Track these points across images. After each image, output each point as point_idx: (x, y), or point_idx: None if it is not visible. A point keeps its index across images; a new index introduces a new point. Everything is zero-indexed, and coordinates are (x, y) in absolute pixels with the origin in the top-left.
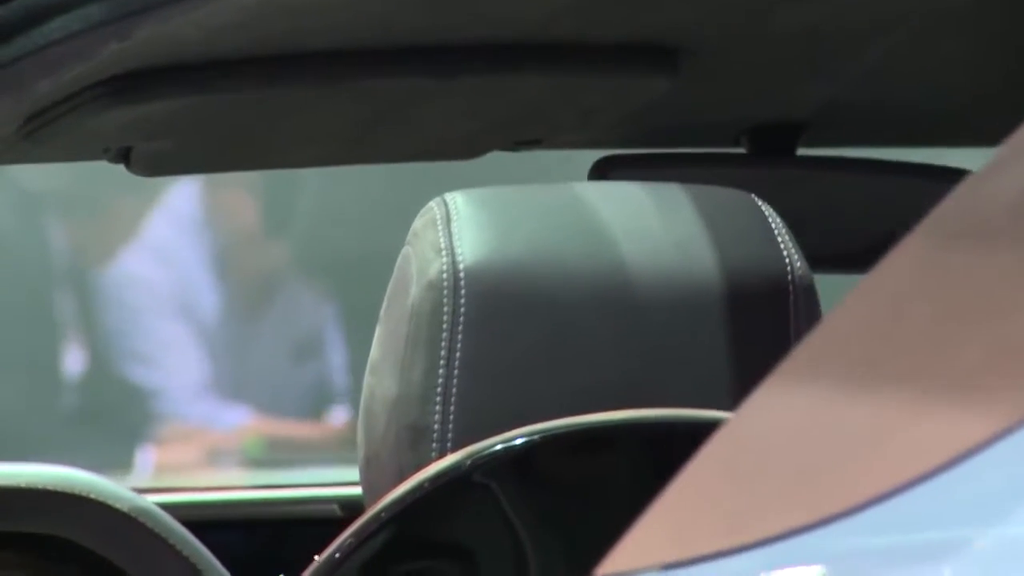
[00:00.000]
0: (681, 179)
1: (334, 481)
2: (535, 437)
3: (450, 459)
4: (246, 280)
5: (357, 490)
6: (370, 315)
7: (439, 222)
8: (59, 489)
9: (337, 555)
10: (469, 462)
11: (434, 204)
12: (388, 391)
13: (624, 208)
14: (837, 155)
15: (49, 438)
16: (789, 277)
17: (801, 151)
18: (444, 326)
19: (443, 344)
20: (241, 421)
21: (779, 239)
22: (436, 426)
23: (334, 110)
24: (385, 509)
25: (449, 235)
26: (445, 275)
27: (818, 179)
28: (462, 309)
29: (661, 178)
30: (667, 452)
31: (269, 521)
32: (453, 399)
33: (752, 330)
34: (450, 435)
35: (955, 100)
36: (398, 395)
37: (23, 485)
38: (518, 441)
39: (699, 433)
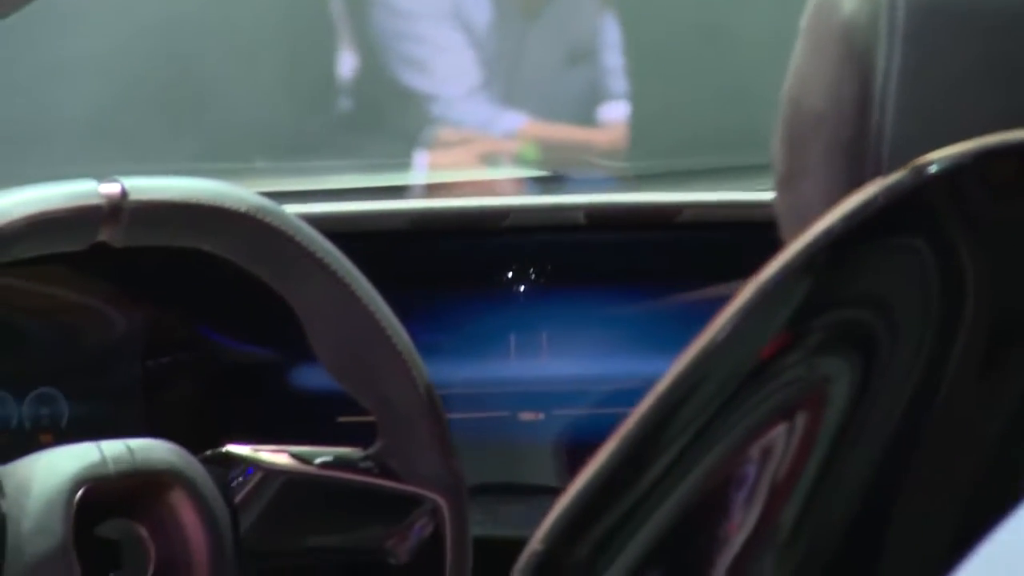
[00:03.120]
0: None
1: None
2: (987, 149)
3: (896, 175)
4: None
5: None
6: (645, 18)
7: None
8: (177, 200)
9: (778, 279)
10: (913, 178)
11: None
12: (818, 105)
13: None
14: None
15: (325, 141)
16: None
17: None
18: (881, 39)
19: (880, 58)
20: (515, 126)
21: None
22: (872, 141)
23: None
24: (835, 224)
25: None
26: None
27: None
28: (900, 22)
29: None
30: None
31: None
32: (889, 114)
33: None
34: (885, 150)
35: None
36: (830, 109)
37: (156, 198)
38: (966, 156)
39: None
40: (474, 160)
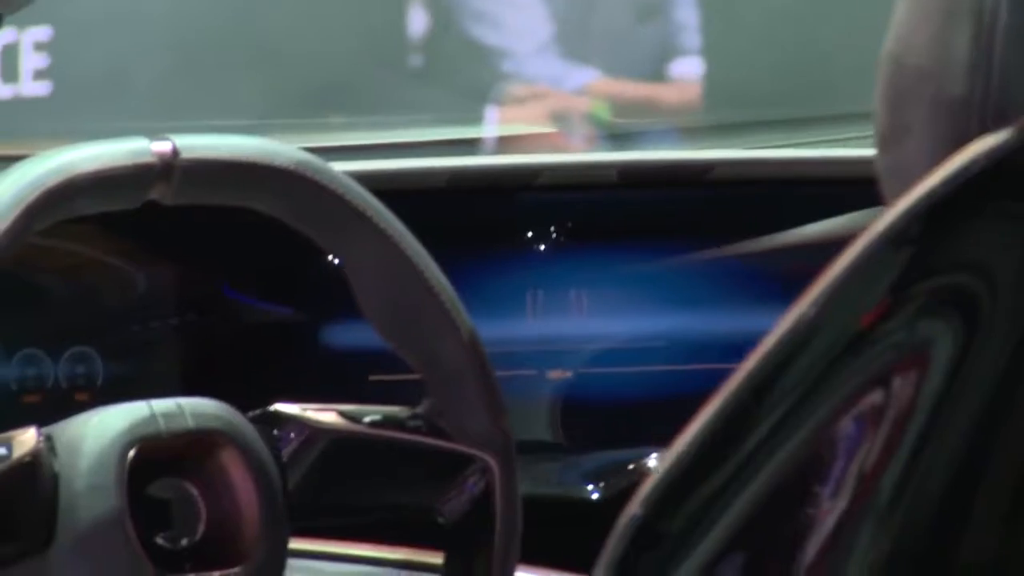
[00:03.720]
0: None
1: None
2: None
3: (999, 135)
4: None
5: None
6: None
7: None
8: (228, 158)
9: (879, 244)
10: (1017, 138)
11: None
12: (921, 63)
13: None
14: None
15: (395, 95)
16: None
17: None
18: None
19: (986, 12)
20: (586, 82)
21: None
22: (977, 98)
23: None
24: (936, 187)
25: None
26: None
27: None
28: None
29: None
30: None
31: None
32: (996, 70)
33: None
34: (990, 108)
35: None
36: (934, 66)
37: (202, 157)
38: None
39: None
40: (545, 116)
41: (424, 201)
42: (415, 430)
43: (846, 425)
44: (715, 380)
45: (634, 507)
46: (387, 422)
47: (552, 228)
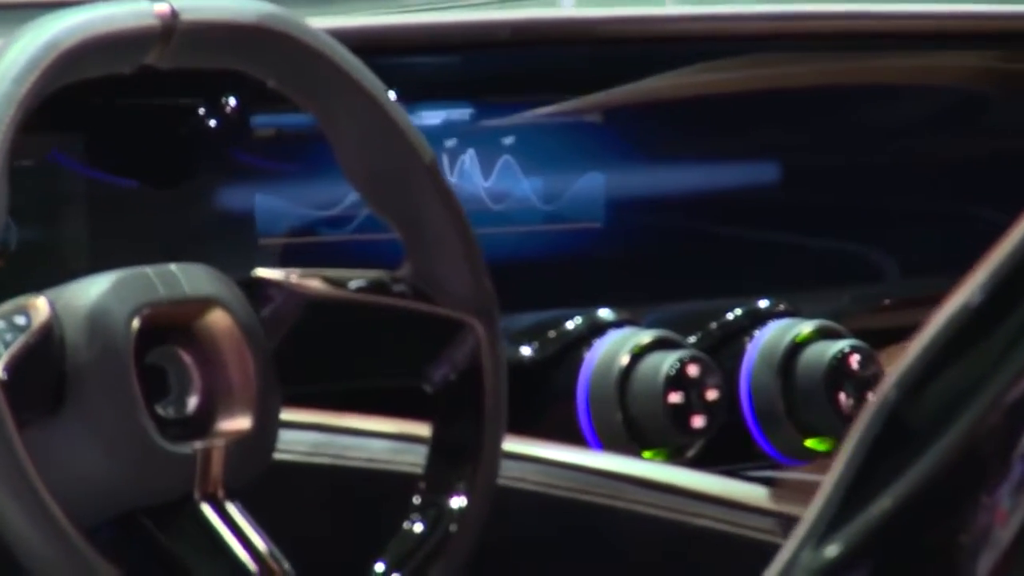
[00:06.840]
0: None
1: None
2: None
3: None
4: None
5: None
6: None
7: None
8: (226, 20)
9: None
10: None
11: None
12: None
13: None
14: None
15: None
16: None
17: None
18: None
19: None
20: None
21: None
22: None
23: None
24: None
25: None
26: None
27: None
28: None
29: None
30: None
31: None
32: None
33: None
34: None
35: None
36: None
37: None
38: None
39: None
40: None
41: None
42: (399, 295)
43: None
44: (616, 238)
45: (888, 388)
46: (371, 286)
47: (447, 88)
